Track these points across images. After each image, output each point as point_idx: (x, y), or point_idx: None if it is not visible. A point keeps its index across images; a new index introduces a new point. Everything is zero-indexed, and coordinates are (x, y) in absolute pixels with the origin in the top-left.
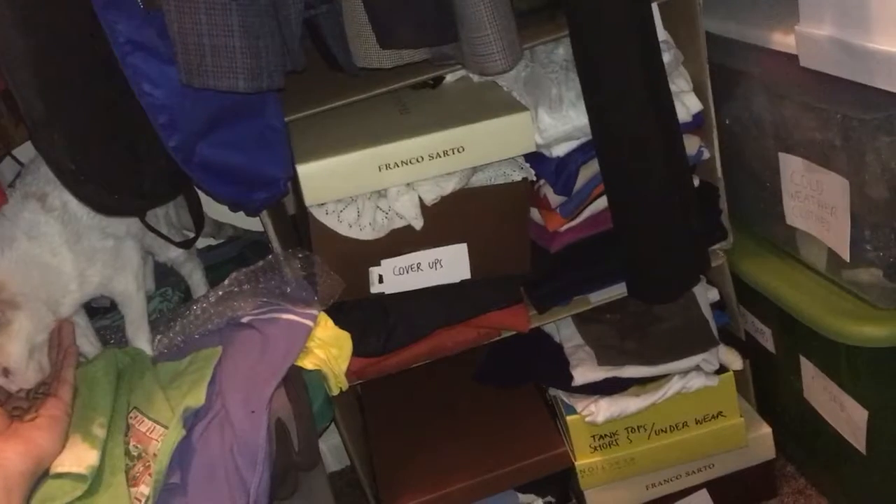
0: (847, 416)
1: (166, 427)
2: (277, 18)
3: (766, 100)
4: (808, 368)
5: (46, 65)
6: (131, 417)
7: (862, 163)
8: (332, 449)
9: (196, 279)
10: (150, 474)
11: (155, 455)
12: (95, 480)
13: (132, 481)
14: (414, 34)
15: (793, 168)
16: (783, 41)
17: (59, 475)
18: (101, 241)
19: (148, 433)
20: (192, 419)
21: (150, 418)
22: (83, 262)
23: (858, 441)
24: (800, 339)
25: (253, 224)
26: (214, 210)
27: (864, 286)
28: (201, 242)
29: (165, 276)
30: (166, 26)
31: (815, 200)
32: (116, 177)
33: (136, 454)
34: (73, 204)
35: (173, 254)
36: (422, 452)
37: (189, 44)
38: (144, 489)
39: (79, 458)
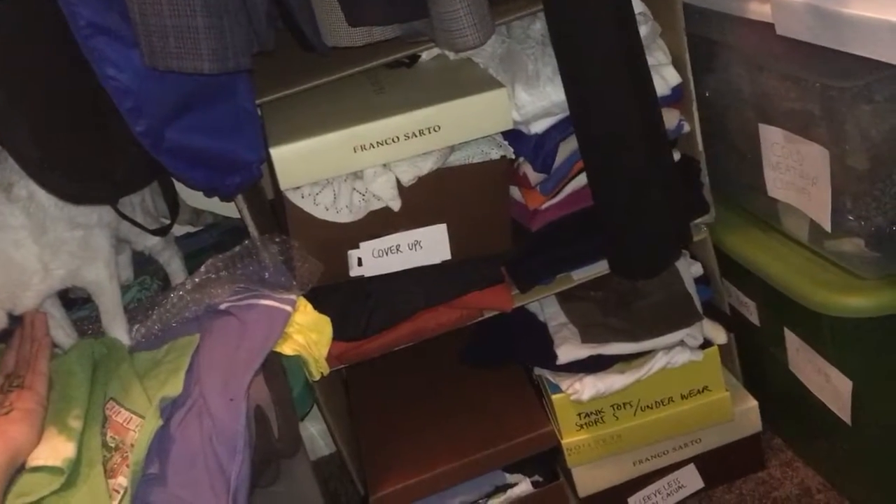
0: (832, 388)
1: (143, 417)
2: None
3: (744, 71)
4: (792, 340)
5: (4, 52)
6: (108, 408)
7: (842, 132)
8: (322, 433)
9: (174, 267)
10: (127, 465)
11: (132, 446)
12: (73, 473)
13: (110, 473)
14: (382, 10)
15: (773, 139)
16: (760, 10)
17: (36, 469)
18: (69, 231)
19: (125, 424)
20: (169, 408)
21: (126, 409)
22: (48, 255)
23: (844, 412)
24: (784, 312)
25: (232, 211)
26: (193, 197)
27: (847, 256)
28: (180, 230)
29: (144, 265)
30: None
31: (796, 171)
32: (86, 164)
33: (113, 445)
34: (40, 194)
35: (150, 242)
36: (408, 435)
37: (151, 25)
38: (122, 480)
39: (55, 450)
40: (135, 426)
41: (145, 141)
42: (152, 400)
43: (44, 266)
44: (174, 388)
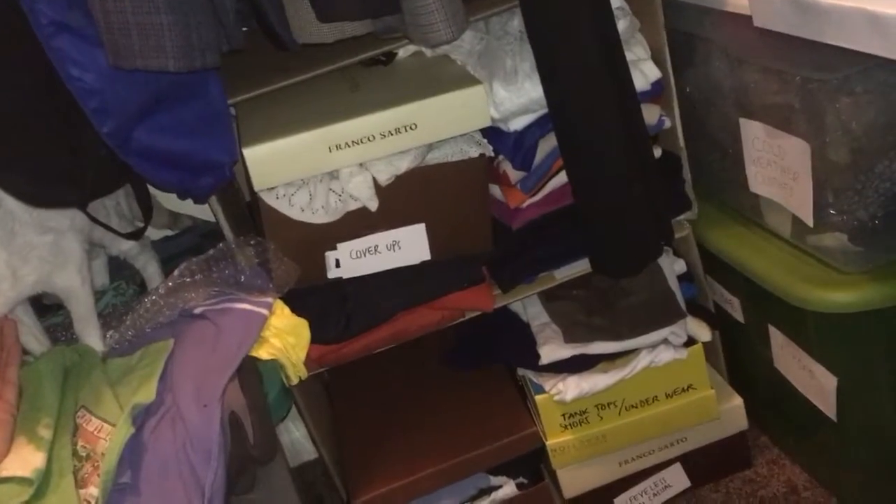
0: (817, 384)
1: (114, 425)
2: None
3: (724, 65)
4: (776, 337)
5: None
6: (79, 417)
7: (822, 125)
8: (307, 437)
9: (150, 271)
10: (98, 475)
11: (103, 454)
12: (42, 483)
13: (81, 483)
14: (354, 5)
15: (754, 134)
16: (738, 2)
17: (4, 479)
18: (40, 236)
19: (96, 432)
20: (142, 416)
21: (97, 417)
22: (17, 260)
23: (829, 408)
24: (767, 308)
25: (210, 214)
26: (169, 200)
27: (830, 251)
28: (158, 234)
29: (120, 270)
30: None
31: (778, 166)
32: (51, 167)
33: (84, 455)
34: (9, 199)
35: (125, 246)
36: (391, 438)
37: (114, 23)
38: (93, 490)
39: (24, 461)
40: (106, 434)
41: (112, 142)
42: (124, 407)
43: (13, 272)
44: (146, 394)
